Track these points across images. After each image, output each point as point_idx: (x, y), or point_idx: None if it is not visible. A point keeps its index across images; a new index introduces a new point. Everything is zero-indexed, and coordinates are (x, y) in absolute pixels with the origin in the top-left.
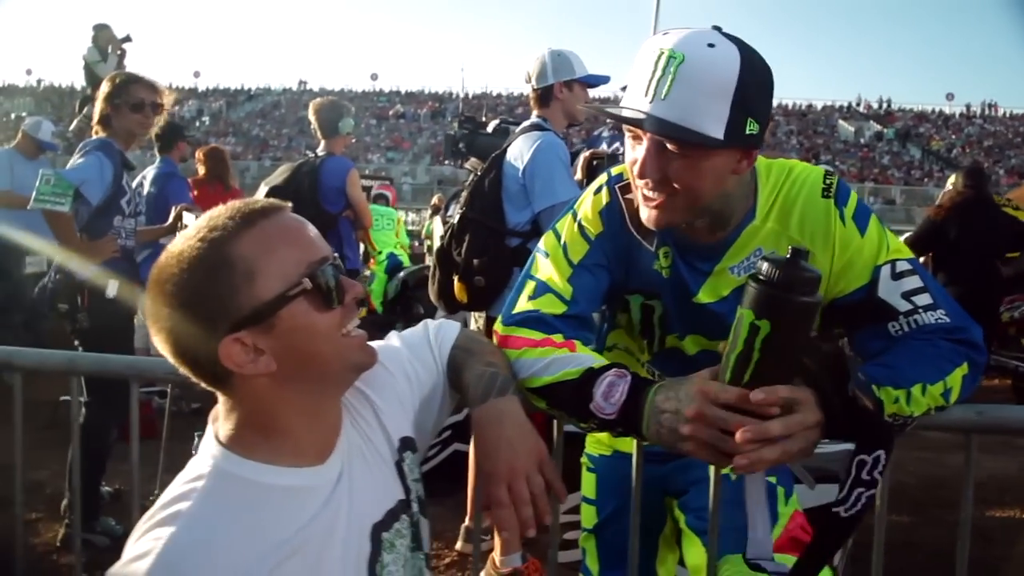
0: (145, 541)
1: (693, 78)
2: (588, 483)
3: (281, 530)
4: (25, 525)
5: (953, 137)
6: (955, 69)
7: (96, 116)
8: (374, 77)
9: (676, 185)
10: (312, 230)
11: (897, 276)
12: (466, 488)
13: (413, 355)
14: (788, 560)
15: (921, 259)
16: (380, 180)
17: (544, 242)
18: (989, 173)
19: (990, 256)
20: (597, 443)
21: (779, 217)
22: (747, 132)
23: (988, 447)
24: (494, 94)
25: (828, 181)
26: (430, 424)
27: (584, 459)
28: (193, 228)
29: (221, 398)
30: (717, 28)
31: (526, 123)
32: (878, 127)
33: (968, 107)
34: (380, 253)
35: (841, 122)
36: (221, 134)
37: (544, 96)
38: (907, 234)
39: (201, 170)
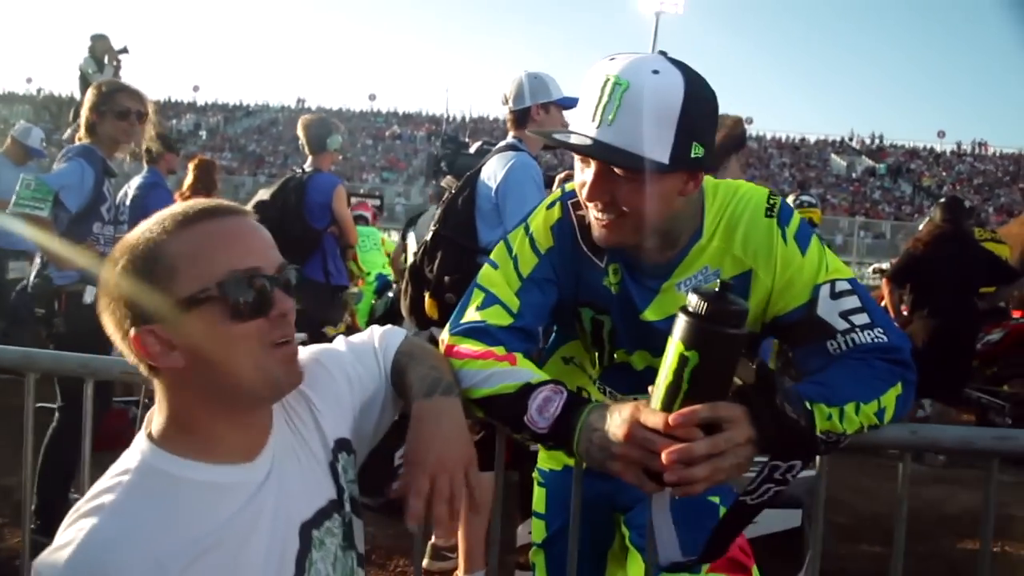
0: (69, 532)
1: (637, 105)
2: (539, 498)
3: (200, 525)
4: None
5: (944, 174)
6: (947, 107)
7: (82, 123)
8: (372, 97)
9: (624, 208)
10: (260, 239)
11: (836, 296)
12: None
13: (356, 359)
14: None
15: (899, 291)
16: (360, 198)
17: (495, 253)
18: (979, 211)
19: (966, 290)
20: (548, 458)
21: (724, 235)
22: (692, 156)
23: (965, 481)
24: (491, 118)
25: (771, 201)
26: (370, 428)
27: (535, 474)
28: (150, 219)
29: (156, 394)
30: (663, 53)
31: (501, 143)
32: (870, 162)
33: (959, 145)
34: (369, 275)
35: (834, 156)
36: (218, 149)
37: (521, 117)
38: (886, 265)
39: (188, 180)
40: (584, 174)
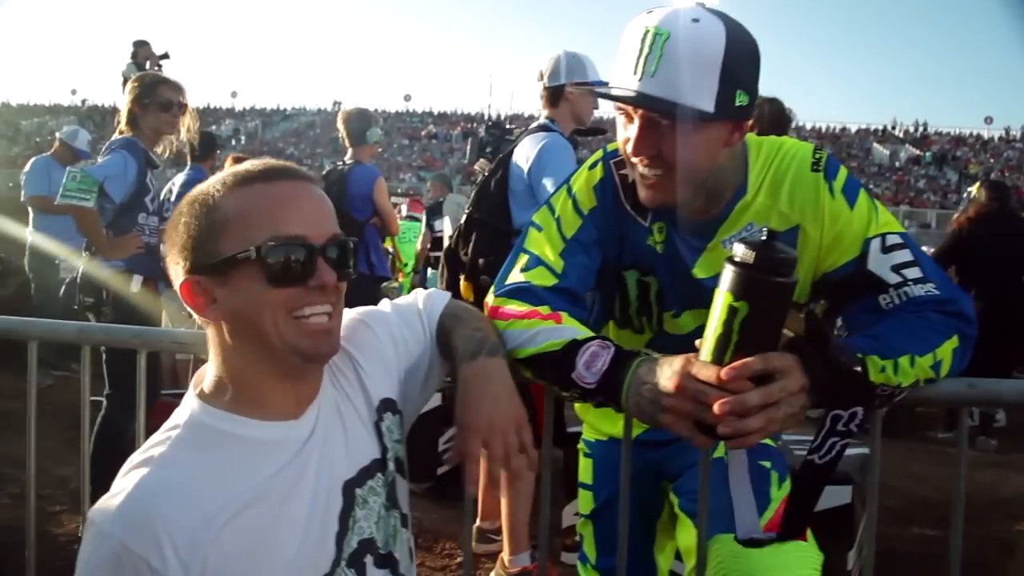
0: (122, 481)
1: (680, 54)
2: (585, 469)
3: (244, 480)
4: (49, 516)
5: (992, 161)
6: (994, 92)
7: (124, 116)
8: (407, 98)
9: (669, 161)
10: (314, 208)
11: (887, 249)
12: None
13: (402, 321)
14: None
15: (947, 272)
16: (404, 197)
17: (538, 216)
18: None
19: (1015, 270)
20: (594, 429)
21: (769, 191)
22: (737, 104)
23: (1018, 465)
24: (526, 115)
25: (817, 155)
26: (417, 389)
27: (581, 444)
28: (216, 175)
29: (209, 348)
30: (700, 4)
31: (533, 124)
32: (914, 150)
33: (1007, 130)
34: (407, 265)
35: (876, 145)
36: (256, 153)
37: (554, 96)
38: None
39: None
40: (628, 130)
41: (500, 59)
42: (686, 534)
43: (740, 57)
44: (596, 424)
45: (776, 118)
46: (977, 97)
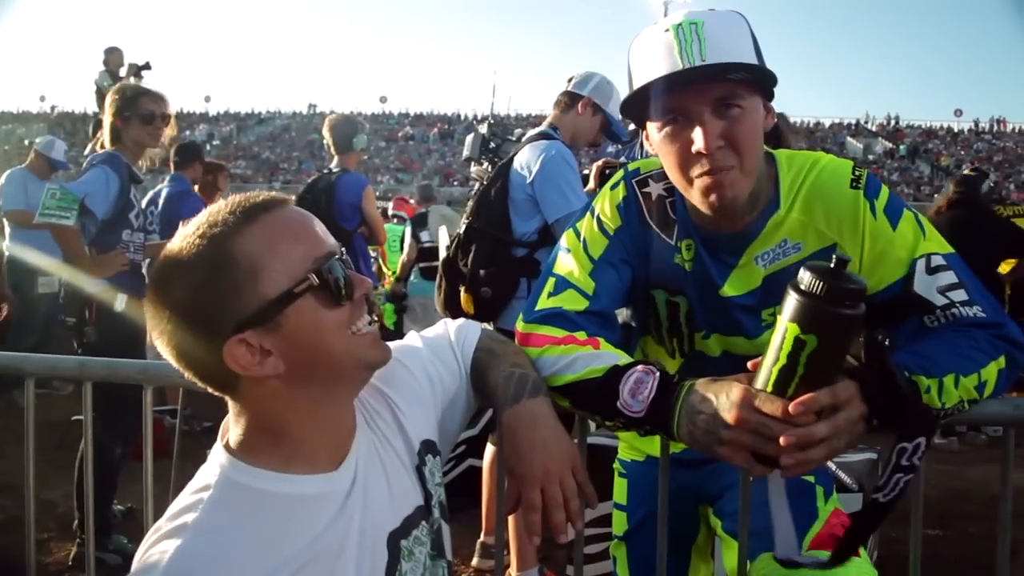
0: (152, 554)
1: (720, 32)
2: (620, 489)
3: (292, 543)
4: (37, 544)
5: (962, 153)
6: (963, 85)
7: (106, 130)
8: (383, 100)
9: (740, 146)
10: (318, 225)
11: (932, 271)
12: (480, 504)
13: (435, 356)
14: (826, 555)
15: None
16: (398, 199)
17: (565, 239)
18: (1000, 189)
19: (985, 262)
20: (630, 448)
21: (804, 207)
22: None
23: (1018, 460)
24: (525, 115)
25: (857, 173)
26: (454, 428)
27: (616, 464)
28: (192, 225)
29: (230, 404)
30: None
31: (533, 132)
32: (886, 144)
33: (977, 123)
34: (394, 273)
35: (849, 139)
36: (232, 158)
37: (570, 101)
38: None
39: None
40: (683, 135)
41: (489, 59)
42: (732, 556)
43: (756, 40)
44: (634, 442)
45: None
46: (947, 91)
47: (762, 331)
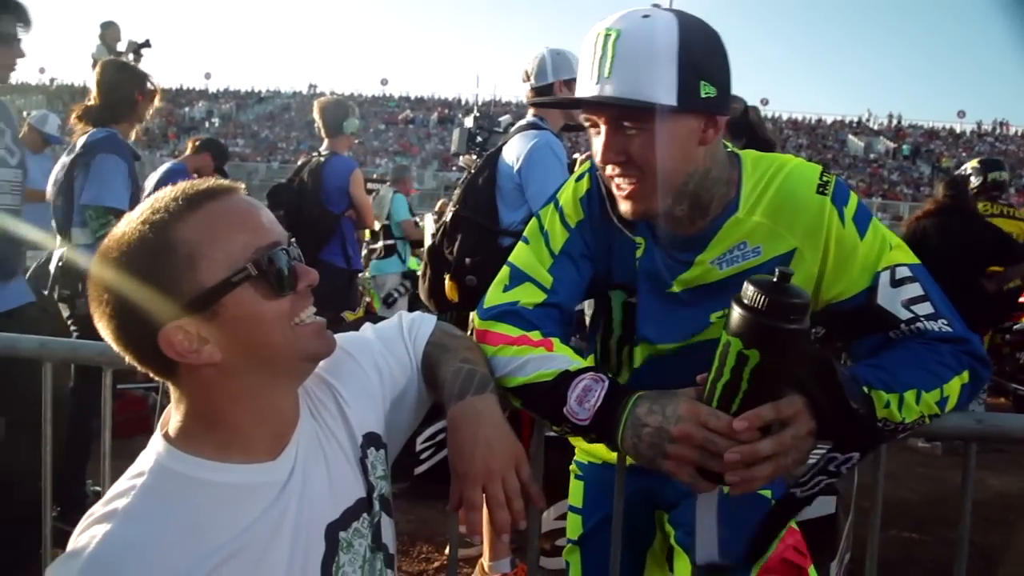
0: (82, 538)
1: (632, 50)
2: (576, 491)
3: (222, 531)
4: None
5: (964, 155)
6: (966, 87)
7: (106, 106)
8: (384, 82)
9: (641, 165)
10: (265, 214)
11: (897, 283)
12: None
13: (386, 348)
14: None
15: None
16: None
17: (528, 230)
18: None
19: (971, 269)
20: (588, 451)
21: (768, 212)
22: (703, 95)
23: (992, 464)
24: (503, 101)
25: (825, 179)
26: (404, 422)
27: (573, 466)
28: (137, 210)
29: (171, 389)
30: (656, 5)
31: (522, 122)
32: (887, 143)
33: (979, 125)
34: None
35: (851, 137)
36: (231, 136)
37: (543, 94)
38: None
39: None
40: (596, 142)
41: (481, 45)
42: (684, 567)
43: (698, 47)
44: (588, 448)
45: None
46: (949, 91)
47: (690, 334)
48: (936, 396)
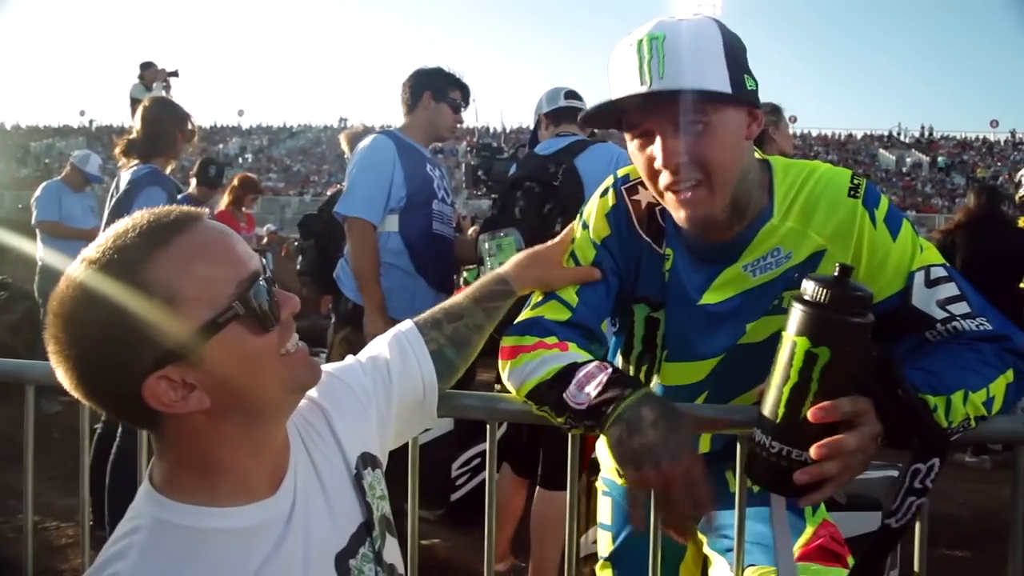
0: None
1: (682, 49)
2: (604, 508)
3: None
4: (55, 551)
5: (999, 164)
6: (998, 95)
7: (148, 140)
8: None
9: (702, 162)
10: (238, 242)
11: (931, 283)
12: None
13: (369, 363)
14: (815, 569)
15: None
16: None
17: None
18: None
19: (1004, 278)
20: (613, 467)
21: (800, 217)
22: (748, 87)
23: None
24: (522, 127)
25: (855, 182)
26: (405, 429)
27: (600, 483)
28: (96, 250)
29: (153, 439)
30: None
31: (567, 141)
32: (919, 155)
33: (1013, 134)
34: None
35: (882, 151)
36: (264, 170)
37: (560, 118)
38: None
39: (227, 199)
40: (647, 150)
41: (506, 75)
42: (718, 572)
43: (736, 44)
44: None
45: None
46: (981, 101)
47: (728, 346)
48: (982, 396)
